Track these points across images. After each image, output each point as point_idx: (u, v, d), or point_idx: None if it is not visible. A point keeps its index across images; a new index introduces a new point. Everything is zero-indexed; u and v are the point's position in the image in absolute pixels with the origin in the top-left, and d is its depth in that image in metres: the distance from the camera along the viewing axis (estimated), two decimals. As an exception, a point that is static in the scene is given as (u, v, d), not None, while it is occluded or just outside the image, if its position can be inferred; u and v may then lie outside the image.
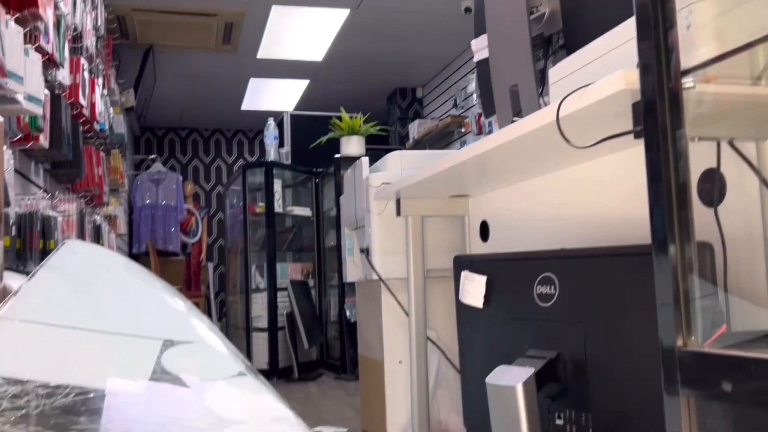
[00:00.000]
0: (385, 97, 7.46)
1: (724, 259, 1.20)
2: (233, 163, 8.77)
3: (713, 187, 1.24)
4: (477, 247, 2.45)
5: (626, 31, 1.33)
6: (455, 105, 6.17)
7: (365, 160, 2.88)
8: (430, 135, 6.14)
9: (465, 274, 1.84)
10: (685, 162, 0.93)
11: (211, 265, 8.10)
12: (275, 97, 7.37)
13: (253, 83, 6.91)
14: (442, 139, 6.19)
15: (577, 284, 1.47)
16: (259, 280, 5.17)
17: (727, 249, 1.20)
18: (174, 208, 7.25)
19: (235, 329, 5.46)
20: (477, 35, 2.08)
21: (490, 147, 1.61)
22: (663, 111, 0.94)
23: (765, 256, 1.20)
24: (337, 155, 4.90)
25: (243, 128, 8.84)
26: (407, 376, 2.51)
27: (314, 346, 5.07)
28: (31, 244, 2.11)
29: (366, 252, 2.73)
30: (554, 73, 1.59)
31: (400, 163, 2.69)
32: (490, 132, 4.80)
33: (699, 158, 1.23)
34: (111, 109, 4.33)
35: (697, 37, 1.01)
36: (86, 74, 3.04)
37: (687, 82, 0.92)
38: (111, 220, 4.42)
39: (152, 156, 7.94)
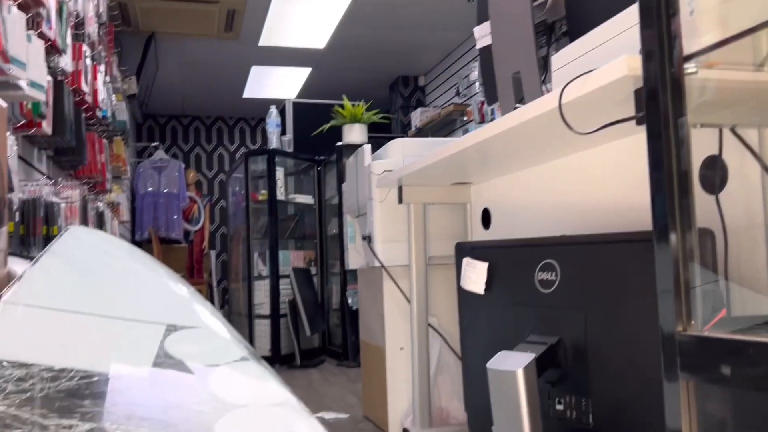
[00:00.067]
0: (388, 85, 7.44)
1: (725, 245, 1.21)
2: (235, 151, 8.77)
3: (715, 174, 1.24)
4: (479, 234, 2.46)
5: (629, 17, 1.33)
6: (458, 93, 6.16)
7: (367, 147, 2.88)
8: (432, 123, 6.13)
9: (467, 261, 1.85)
10: (687, 149, 0.94)
11: (213, 253, 8.12)
12: (277, 84, 7.35)
13: (255, 71, 6.90)
14: (445, 127, 6.18)
15: (578, 270, 1.48)
16: (261, 267, 5.18)
17: (728, 236, 1.21)
18: (176, 196, 7.26)
19: (238, 316, 5.48)
20: (480, 22, 2.08)
21: (493, 134, 1.61)
22: (665, 97, 0.94)
23: (766, 243, 1.20)
24: (339, 143, 4.90)
25: (245, 116, 8.83)
26: (409, 362, 2.52)
27: (316, 333, 5.09)
28: (34, 230, 2.12)
29: (368, 239, 2.73)
30: (557, 59, 1.59)
31: (402, 151, 2.69)
32: (492, 120, 4.79)
33: (701, 145, 1.23)
34: (113, 96, 4.33)
35: (700, 23, 1.01)
36: (88, 61, 3.04)
37: (689, 67, 0.92)
38: (114, 207, 4.42)
39: (154, 143, 7.94)
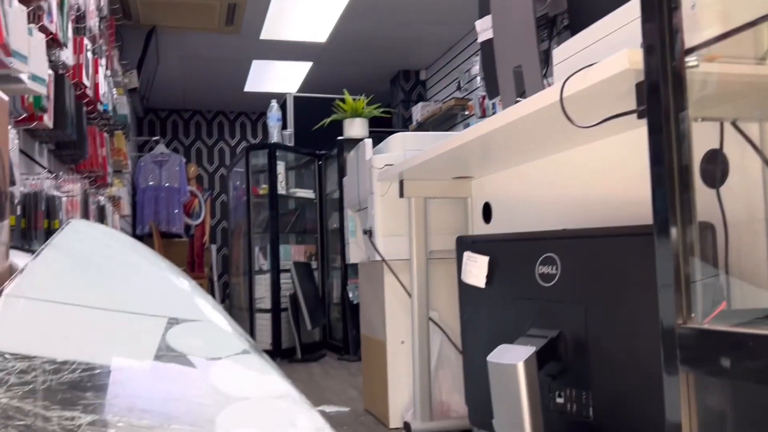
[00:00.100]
0: (389, 80, 7.43)
1: (726, 239, 1.21)
2: (236, 146, 8.77)
3: (716, 167, 1.24)
4: (480, 228, 2.46)
5: (630, 11, 1.32)
6: (459, 88, 6.15)
7: (368, 141, 2.88)
8: (433, 118, 6.12)
9: (467, 255, 1.85)
10: (688, 143, 0.94)
11: (214, 247, 8.13)
12: (278, 78, 7.34)
13: (256, 65, 6.89)
14: (446, 122, 6.17)
15: (578, 264, 1.48)
16: (262, 261, 5.19)
17: (728, 229, 1.21)
18: (177, 190, 7.26)
19: (239, 310, 5.49)
20: (481, 16, 2.07)
21: (494, 127, 1.61)
22: (666, 91, 0.94)
23: (766, 237, 1.20)
24: (340, 137, 4.90)
25: (246, 110, 8.82)
26: (409, 356, 2.53)
27: (317, 327, 5.10)
28: (35, 224, 2.12)
29: (369, 233, 2.74)
30: (558, 53, 1.59)
31: (403, 145, 2.69)
32: (493, 114, 4.78)
33: (702, 139, 1.23)
34: (114, 90, 4.33)
35: (701, 16, 1.01)
36: (89, 55, 3.04)
37: (690, 60, 0.92)
38: (115, 201, 4.43)
39: (155, 138, 7.94)
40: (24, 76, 1.79)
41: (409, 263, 2.48)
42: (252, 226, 5.20)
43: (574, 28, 1.74)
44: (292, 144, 5.65)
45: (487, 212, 2.42)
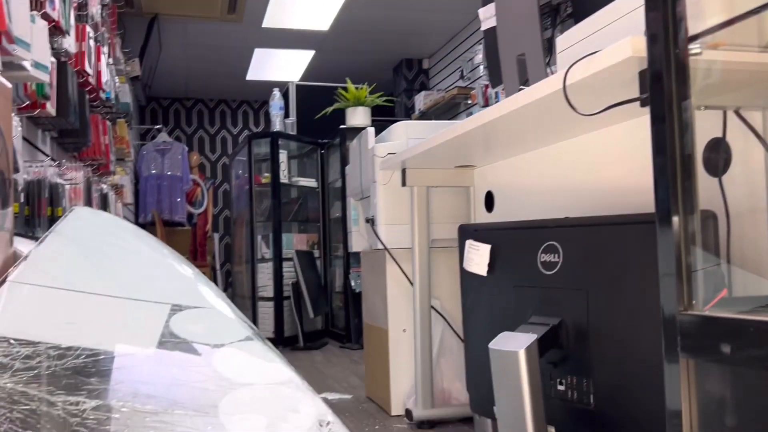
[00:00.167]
0: (391, 68, 7.41)
1: (728, 228, 1.21)
2: (238, 134, 8.76)
3: (718, 156, 1.24)
4: (482, 217, 2.46)
5: (634, -2, 1.32)
6: (462, 76, 6.13)
7: (371, 130, 2.88)
8: (436, 107, 6.11)
9: (469, 243, 1.86)
10: (691, 132, 0.94)
11: (216, 236, 8.14)
12: (280, 67, 7.33)
13: (259, 53, 6.87)
14: (449, 111, 6.16)
15: (580, 252, 1.48)
16: (264, 250, 5.20)
17: (730, 218, 1.21)
18: (180, 179, 7.27)
19: (241, 299, 5.50)
20: (484, 4, 2.07)
21: (497, 116, 1.61)
22: (669, 79, 0.94)
23: (768, 225, 1.20)
24: (342, 126, 4.89)
25: (248, 99, 8.81)
26: (411, 344, 2.54)
27: (319, 316, 5.12)
28: (39, 211, 2.13)
29: (371, 222, 2.74)
30: (562, 41, 1.59)
31: (405, 134, 2.69)
32: (497, 103, 4.76)
33: (705, 127, 1.23)
34: (116, 78, 4.33)
35: (705, 3, 1.01)
36: (92, 42, 3.03)
37: (694, 48, 0.92)
38: (117, 189, 4.43)
39: (158, 126, 7.93)
40: (27, 63, 1.79)
41: (412, 252, 2.49)
42: (254, 215, 5.21)
43: (578, 15, 1.73)
44: (294, 133, 5.65)
45: (489, 201, 2.42)
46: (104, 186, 3.57)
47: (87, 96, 2.97)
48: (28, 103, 2.10)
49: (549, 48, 1.78)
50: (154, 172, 7.21)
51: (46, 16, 2.13)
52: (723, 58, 1.00)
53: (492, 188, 2.40)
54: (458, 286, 2.02)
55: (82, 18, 2.99)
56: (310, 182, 5.53)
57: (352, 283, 4.79)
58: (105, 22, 3.83)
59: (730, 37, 0.98)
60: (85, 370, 1.06)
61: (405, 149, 2.43)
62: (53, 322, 1.12)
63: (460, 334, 2.43)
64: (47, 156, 2.66)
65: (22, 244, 1.35)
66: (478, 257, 1.80)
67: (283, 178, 5.19)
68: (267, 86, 6.71)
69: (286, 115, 5.77)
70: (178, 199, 7.23)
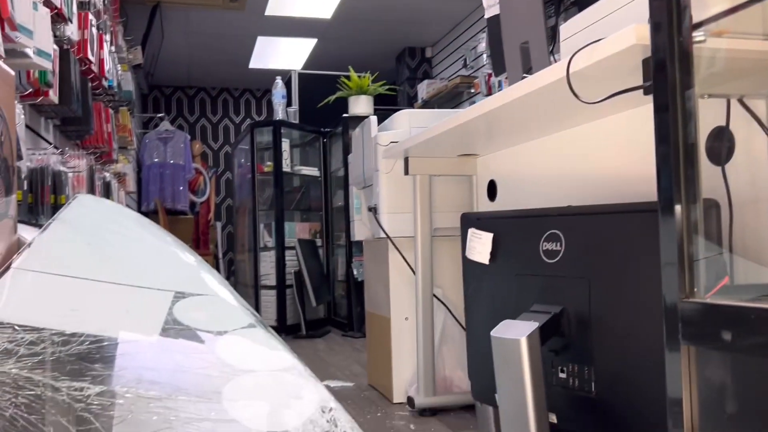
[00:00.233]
0: (394, 57, 7.39)
1: (730, 216, 1.21)
2: (241, 123, 8.75)
3: (722, 145, 1.24)
4: (484, 206, 2.46)
5: (639, -14, 1.31)
6: (465, 65, 6.11)
7: (374, 118, 2.87)
8: (439, 96, 6.09)
9: (472, 231, 1.86)
10: (694, 121, 0.93)
11: (219, 225, 8.15)
12: (283, 55, 7.31)
13: (261, 41, 6.85)
14: (452, 99, 6.14)
15: (583, 241, 1.49)
16: (267, 238, 5.21)
17: (733, 206, 1.21)
18: (182, 167, 7.27)
19: (244, 287, 5.52)
20: (488, -9, 2.06)
21: (500, 104, 1.61)
22: (673, 67, 0.94)
23: (771, 214, 1.20)
24: (345, 115, 4.89)
25: (250, 87, 8.79)
26: (413, 332, 2.55)
27: (322, 304, 5.14)
28: (42, 199, 2.13)
29: (374, 210, 2.74)
30: (565, 29, 1.58)
31: (408, 122, 2.69)
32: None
33: (708, 116, 1.23)
34: (119, 66, 4.32)
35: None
36: (94, 30, 3.03)
37: (698, 36, 0.92)
38: (120, 177, 4.44)
39: (160, 114, 7.93)
40: (29, 51, 1.79)
41: (414, 240, 2.49)
42: (257, 204, 5.22)
43: (582, 3, 1.73)
44: (296, 121, 5.64)
45: (492, 190, 2.42)
46: (107, 174, 3.58)
47: (89, 84, 2.97)
48: (30, 90, 2.10)
49: (553, 36, 1.77)
50: (156, 160, 7.21)
51: (48, 4, 2.13)
52: (727, 46, 1.00)
53: (495, 177, 2.40)
54: (460, 275, 2.02)
55: (84, 5, 2.99)
56: (313, 171, 5.53)
57: (355, 272, 4.80)
58: (107, 9, 3.82)
59: (734, 24, 0.97)
60: (89, 356, 1.06)
61: (408, 138, 2.43)
62: (57, 308, 1.13)
63: (462, 322, 2.44)
64: (50, 144, 2.66)
65: (25, 232, 1.35)
66: (481, 245, 1.80)
67: (286, 167, 5.19)
68: (269, 75, 6.70)
69: (289, 104, 5.76)
70: (181, 188, 7.23)
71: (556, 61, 1.48)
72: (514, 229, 1.72)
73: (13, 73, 1.34)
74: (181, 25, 6.25)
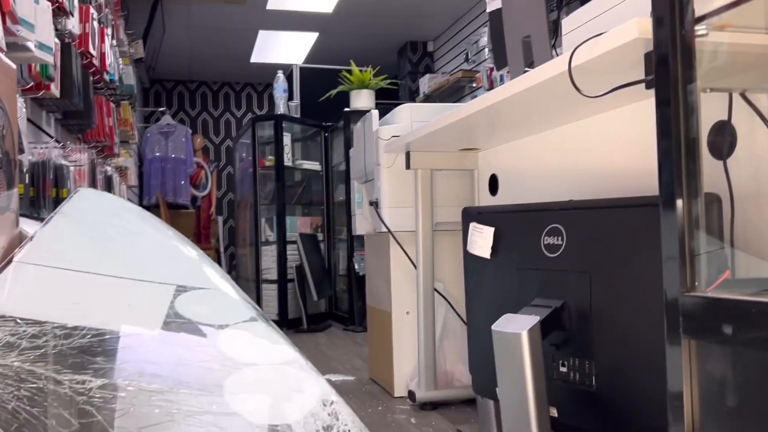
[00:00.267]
0: (396, 51, 7.38)
1: (732, 211, 1.21)
2: (242, 117, 8.74)
3: (724, 139, 1.24)
4: (486, 200, 2.46)
5: (641, -21, 1.31)
6: (467, 59, 6.10)
7: (375, 112, 2.87)
8: (440, 90, 6.08)
9: (473, 226, 1.86)
10: (696, 115, 0.93)
11: (220, 219, 8.16)
12: (284, 49, 7.30)
13: (263, 35, 6.84)
14: (453, 94, 6.13)
15: (584, 235, 1.49)
16: (268, 233, 5.21)
17: (735, 201, 1.21)
18: (183, 161, 7.27)
19: (245, 281, 5.53)
20: (490, -15, 2.05)
21: (502, 98, 1.61)
22: (675, 61, 0.93)
23: (773, 209, 1.20)
24: (346, 109, 4.88)
25: (252, 81, 8.78)
26: (414, 326, 2.55)
27: (323, 299, 5.14)
28: (44, 192, 2.14)
29: (375, 205, 2.74)
30: (567, 23, 1.58)
31: (410, 116, 2.68)
32: (501, 87, 4.73)
33: (710, 110, 1.23)
34: (120, 60, 4.32)
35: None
36: (95, 24, 3.02)
37: (700, 29, 0.91)
38: (122, 171, 4.44)
39: (161, 108, 7.92)
40: (31, 44, 1.79)
41: (415, 235, 2.49)
42: (258, 198, 5.22)
43: (584, -3, 1.72)
44: (298, 115, 5.64)
45: (493, 184, 2.42)
46: (109, 168, 3.58)
47: (91, 78, 2.97)
48: (32, 84, 2.10)
49: (555, 30, 1.77)
50: (158, 154, 7.21)
51: (49, -3, 2.13)
52: (729, 40, 0.99)
53: (496, 171, 2.40)
54: (461, 269, 2.02)
55: (85, -1, 2.98)
56: (314, 165, 5.53)
57: (356, 266, 4.80)
58: (108, 3, 3.81)
59: (736, 18, 0.97)
60: (91, 350, 1.06)
61: (409, 132, 2.43)
62: (59, 302, 1.13)
63: (463, 316, 2.44)
64: (51, 137, 2.66)
65: (27, 225, 1.35)
66: (482, 240, 1.80)
67: (287, 161, 5.19)
68: (271, 69, 6.69)
69: (290, 98, 5.75)
70: (182, 182, 7.23)
71: (558, 55, 1.48)
72: (516, 224, 1.72)
73: (14, 66, 1.34)
74: (183, 18, 6.24)
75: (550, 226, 1.56)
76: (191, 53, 7.43)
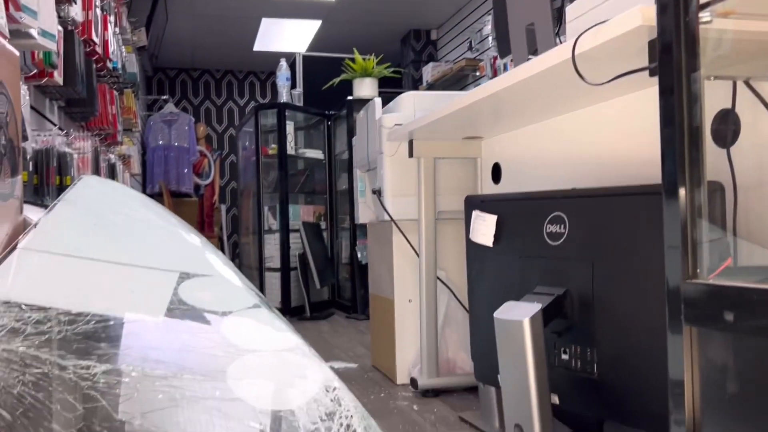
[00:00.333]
0: (399, 39, 7.35)
1: (735, 199, 1.21)
2: (245, 105, 8.73)
3: (727, 127, 1.24)
4: (489, 189, 2.46)
5: (646, -34, 1.30)
6: (470, 48, 6.07)
7: (378, 100, 2.87)
8: (444, 78, 6.06)
9: (476, 214, 1.86)
10: (700, 104, 0.93)
11: (223, 207, 8.17)
12: (287, 37, 7.27)
13: (266, 23, 6.82)
14: (457, 82, 6.12)
15: (586, 223, 1.49)
16: (271, 221, 5.22)
17: (738, 189, 1.21)
18: (186, 150, 7.27)
19: (248, 269, 5.54)
20: (493, -28, 2.04)
21: (505, 85, 1.61)
22: (679, 49, 0.93)
23: (776, 197, 1.20)
24: (349, 97, 4.87)
25: (255, 69, 8.76)
26: (417, 314, 2.56)
27: (326, 287, 5.15)
28: (48, 180, 2.14)
29: (378, 193, 2.74)
30: (571, 11, 1.57)
31: (413, 104, 2.68)
32: (504, 75, 4.71)
33: (714, 98, 1.23)
34: (123, 48, 4.31)
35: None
36: (98, 11, 3.02)
37: (704, 16, 0.91)
38: (125, 159, 4.44)
39: (164, 97, 7.91)
40: (34, 32, 1.78)
41: (418, 223, 2.49)
42: (261, 187, 5.22)
43: (588, -15, 1.71)
44: (301, 104, 5.63)
45: (496, 173, 2.41)
46: (112, 156, 3.58)
47: (94, 65, 2.97)
48: (35, 71, 2.10)
49: (559, 18, 1.76)
50: (161, 143, 7.21)
51: (52, -16, 2.12)
52: (734, 27, 0.99)
53: (499, 160, 2.39)
54: (464, 258, 2.03)
55: (88, -14, 2.98)
56: (317, 154, 5.53)
57: (359, 255, 4.81)
58: (111, -10, 3.80)
59: (740, 5, 0.97)
60: (96, 335, 1.07)
61: (412, 120, 2.42)
62: (63, 288, 1.13)
63: (466, 304, 2.45)
64: (55, 125, 2.67)
65: (31, 212, 1.36)
66: (485, 228, 1.80)
67: (290, 150, 5.18)
68: (274, 57, 6.67)
69: (293, 86, 5.74)
70: (185, 170, 7.24)
71: (561, 43, 1.48)
72: (518, 212, 1.72)
73: (17, 53, 1.34)
74: (185, 6, 6.22)
75: (552, 214, 1.56)
76: (194, 41, 7.42)
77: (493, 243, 1.78)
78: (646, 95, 1.56)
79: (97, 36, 2.92)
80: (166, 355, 1.08)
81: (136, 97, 5.15)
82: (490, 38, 5.48)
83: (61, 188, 2.17)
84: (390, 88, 5.48)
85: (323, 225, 5.45)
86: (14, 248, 1.14)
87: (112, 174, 3.45)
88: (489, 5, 5.30)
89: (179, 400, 1.00)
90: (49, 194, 2.12)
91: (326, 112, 5.45)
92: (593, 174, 1.79)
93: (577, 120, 1.88)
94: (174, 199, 6.98)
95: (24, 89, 1.85)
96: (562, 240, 1.52)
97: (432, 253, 2.47)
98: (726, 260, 0.95)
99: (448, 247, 2.59)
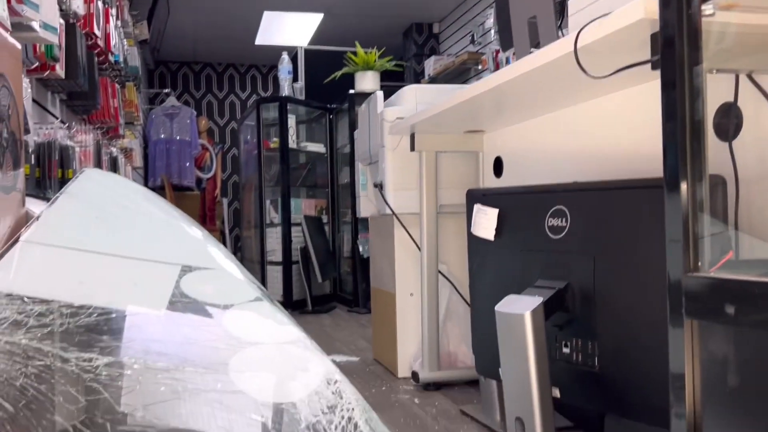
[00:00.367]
0: (401, 33, 7.33)
1: (737, 192, 1.21)
2: (247, 99, 8.72)
3: (729, 121, 1.24)
4: (490, 182, 2.46)
5: (649, -41, 1.30)
6: (472, 41, 6.06)
7: (380, 94, 2.86)
8: (446, 72, 6.05)
9: (477, 207, 1.86)
10: (702, 97, 0.93)
11: (225, 201, 8.17)
12: (289, 31, 7.26)
13: (267, 17, 6.80)
14: (459, 76, 6.10)
15: (588, 217, 1.49)
16: (273, 215, 5.22)
17: (740, 183, 1.21)
18: (188, 143, 7.27)
19: (250, 263, 5.55)
20: (496, -35, 2.04)
21: (507, 78, 1.60)
22: (681, 42, 0.93)
23: (778, 191, 1.20)
24: (351, 91, 4.87)
25: (256, 63, 8.75)
26: (418, 308, 2.56)
27: (327, 280, 5.16)
28: (50, 173, 2.14)
29: (380, 187, 2.74)
30: (574, 4, 1.56)
31: (415, 98, 2.68)
32: (506, 69, 4.69)
33: (717, 91, 1.22)
34: (125, 41, 4.30)
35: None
36: (100, 4, 3.01)
37: (707, 9, 0.91)
38: (127, 152, 4.44)
39: (166, 90, 7.91)
40: (36, 25, 1.78)
41: (420, 217, 2.50)
42: (263, 180, 5.22)
43: (591, -22, 1.70)
44: (303, 97, 5.62)
45: (498, 166, 2.41)
46: (114, 149, 3.58)
47: (96, 58, 2.96)
48: (37, 64, 2.10)
49: (561, 11, 1.76)
50: (163, 136, 7.21)
51: (53, -23, 2.12)
52: (736, 20, 0.99)
53: (501, 153, 2.39)
54: (465, 251, 2.03)
55: (89, -21, 2.97)
56: (319, 147, 5.52)
57: (360, 249, 4.81)
58: (112, -17, 3.79)
59: (744, -1, 0.96)
60: (98, 328, 1.07)
61: (414, 114, 2.42)
62: (66, 281, 1.13)
63: (467, 298, 2.45)
64: (57, 118, 2.67)
65: (33, 205, 1.36)
66: (486, 221, 1.81)
67: (292, 144, 5.18)
68: (275, 50, 6.65)
69: (295, 80, 5.73)
70: (187, 164, 7.24)
71: (564, 36, 1.47)
72: (520, 205, 1.72)
73: (19, 46, 1.34)
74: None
75: (554, 208, 1.56)
76: (196, 35, 7.40)
77: (495, 236, 1.79)
78: (649, 89, 1.56)
79: (98, 29, 2.92)
80: (168, 347, 1.08)
81: (138, 91, 5.15)
82: (492, 31, 5.47)
83: (63, 181, 2.17)
84: (392, 82, 5.47)
85: (325, 218, 5.45)
86: (17, 241, 1.14)
87: (114, 167, 3.45)
88: (491, -2, 5.28)
89: (181, 392, 1.01)
90: (51, 187, 2.12)
91: (328, 105, 5.44)
92: (595, 168, 1.79)
93: (579, 113, 1.88)
94: (176, 193, 6.98)
95: (26, 82, 1.85)
96: (563, 233, 1.52)
97: (433, 247, 2.48)
98: (727, 253, 0.95)
99: (450, 241, 2.60)
